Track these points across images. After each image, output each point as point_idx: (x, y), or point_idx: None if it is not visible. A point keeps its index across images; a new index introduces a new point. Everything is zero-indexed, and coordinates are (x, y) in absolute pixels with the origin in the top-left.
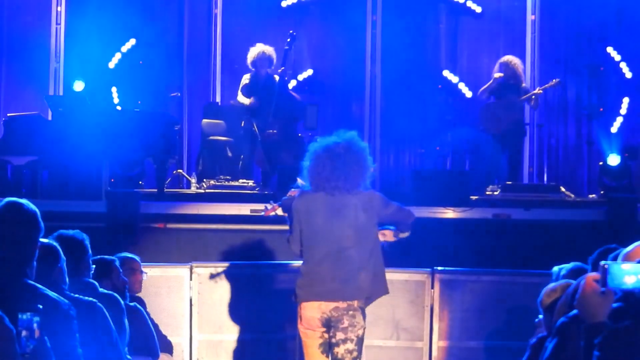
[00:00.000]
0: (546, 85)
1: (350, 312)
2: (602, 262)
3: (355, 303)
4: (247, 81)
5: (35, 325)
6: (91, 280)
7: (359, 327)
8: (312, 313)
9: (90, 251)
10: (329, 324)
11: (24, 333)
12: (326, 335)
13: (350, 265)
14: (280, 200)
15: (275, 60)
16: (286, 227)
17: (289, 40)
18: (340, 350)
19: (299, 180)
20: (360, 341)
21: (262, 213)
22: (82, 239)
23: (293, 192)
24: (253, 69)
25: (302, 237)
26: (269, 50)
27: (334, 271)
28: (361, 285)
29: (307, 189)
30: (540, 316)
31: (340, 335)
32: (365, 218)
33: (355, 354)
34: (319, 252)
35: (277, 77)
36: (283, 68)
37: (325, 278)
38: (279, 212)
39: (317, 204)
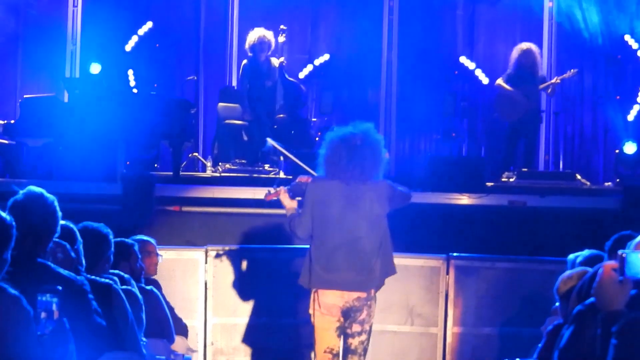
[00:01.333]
0: (564, 76)
1: (369, 302)
2: (620, 251)
3: (372, 292)
4: (246, 67)
5: (54, 306)
6: (109, 280)
7: (372, 317)
8: (333, 301)
9: (112, 247)
10: (348, 313)
11: (42, 314)
12: (342, 320)
13: (364, 254)
14: (277, 184)
15: (273, 45)
16: (284, 212)
17: (280, 34)
18: (354, 342)
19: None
20: (370, 330)
21: (264, 197)
22: (107, 233)
23: (302, 178)
24: (251, 54)
25: (313, 223)
26: (269, 34)
27: (349, 260)
28: (376, 273)
29: (322, 176)
30: (557, 304)
31: (356, 328)
32: (378, 208)
33: (365, 343)
34: (332, 239)
35: (275, 62)
36: (283, 58)
37: (341, 267)
38: (282, 196)
39: (332, 193)
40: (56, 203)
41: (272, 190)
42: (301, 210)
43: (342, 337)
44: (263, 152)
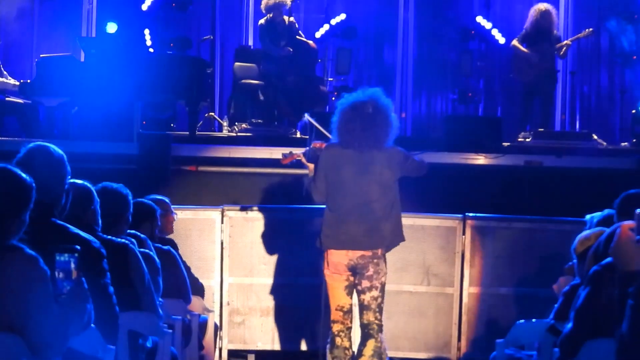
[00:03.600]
0: (579, 35)
1: (375, 260)
2: (638, 210)
3: (379, 251)
4: (264, 27)
5: (72, 266)
6: (125, 241)
7: (382, 274)
8: (339, 259)
9: (131, 208)
10: (354, 270)
11: (60, 274)
12: (352, 279)
13: (374, 216)
14: (302, 149)
15: (289, 5)
16: (300, 172)
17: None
18: (366, 297)
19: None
20: (383, 287)
21: (281, 160)
22: (126, 193)
23: (316, 144)
24: (267, 14)
25: (328, 187)
26: None
27: (359, 222)
28: (384, 234)
29: (335, 143)
30: (571, 262)
31: (365, 283)
32: (389, 174)
33: (379, 299)
34: (345, 203)
35: (289, 22)
36: (292, 17)
37: (351, 228)
38: (303, 159)
39: (345, 159)
40: (64, 157)
41: (287, 153)
42: (315, 175)
43: (352, 295)
44: (280, 113)
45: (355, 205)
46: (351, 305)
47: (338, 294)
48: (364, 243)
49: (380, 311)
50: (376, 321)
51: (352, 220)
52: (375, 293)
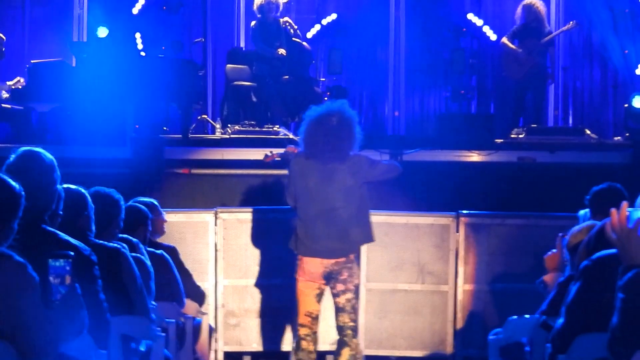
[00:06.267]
0: (563, 28)
1: (349, 265)
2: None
3: (352, 256)
4: (256, 28)
5: (66, 271)
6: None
7: (355, 277)
8: (315, 268)
9: (123, 213)
10: (329, 276)
11: (54, 280)
12: (323, 286)
13: (341, 223)
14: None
15: (282, 6)
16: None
17: None
18: (341, 300)
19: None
20: (357, 289)
21: (263, 158)
22: (118, 198)
23: (291, 148)
24: (259, 15)
25: (296, 194)
26: None
27: (327, 229)
28: (354, 239)
29: (302, 152)
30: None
31: (340, 287)
32: (353, 181)
33: (353, 301)
34: (312, 210)
35: (283, 22)
36: (287, 18)
37: (320, 236)
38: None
39: (310, 169)
40: (55, 162)
41: (269, 153)
42: (288, 181)
43: (321, 301)
44: (273, 114)
45: (321, 212)
46: (319, 311)
47: (309, 301)
48: (337, 252)
49: (355, 312)
50: (351, 323)
51: (318, 226)
52: (349, 295)
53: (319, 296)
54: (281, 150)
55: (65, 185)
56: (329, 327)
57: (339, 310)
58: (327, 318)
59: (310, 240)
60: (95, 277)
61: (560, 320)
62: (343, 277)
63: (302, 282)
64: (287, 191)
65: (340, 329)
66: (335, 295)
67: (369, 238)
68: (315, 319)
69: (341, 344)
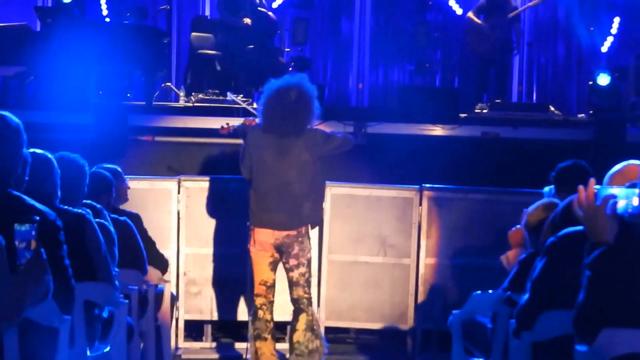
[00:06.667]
0: (529, 4)
1: (300, 239)
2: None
3: (303, 229)
4: None
5: (32, 236)
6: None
7: (307, 251)
8: (265, 238)
9: (87, 178)
10: (280, 249)
11: (20, 244)
12: (276, 255)
13: (293, 197)
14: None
15: None
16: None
17: None
18: (294, 274)
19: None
20: (309, 263)
21: (219, 129)
22: (83, 164)
23: (248, 120)
24: None
25: (252, 167)
26: None
27: (280, 203)
28: (305, 213)
29: (260, 125)
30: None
31: (292, 262)
32: (308, 156)
33: (307, 275)
34: (266, 184)
35: None
36: None
37: (272, 208)
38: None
39: (266, 142)
40: (21, 126)
41: (225, 124)
42: (243, 152)
43: (276, 270)
44: (236, 84)
45: (276, 186)
46: (274, 280)
47: (262, 269)
48: (287, 224)
49: (309, 285)
50: (305, 295)
51: (271, 199)
52: (302, 269)
53: (273, 264)
54: (238, 122)
55: (31, 150)
56: (288, 298)
57: (293, 284)
58: (285, 289)
59: (262, 212)
60: (60, 242)
61: (526, 297)
62: (295, 251)
63: (255, 252)
64: (242, 163)
65: (295, 301)
66: (288, 270)
67: (319, 214)
68: (270, 287)
69: (298, 311)
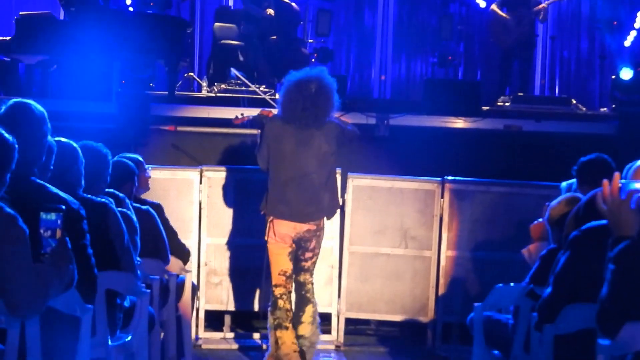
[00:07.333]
0: None
1: (318, 233)
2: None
3: (321, 222)
4: None
5: (58, 225)
6: (105, 200)
7: (321, 242)
8: (286, 231)
9: (110, 167)
10: (299, 243)
11: (45, 233)
12: (294, 246)
13: (312, 189)
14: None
15: None
16: None
17: None
18: (307, 264)
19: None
20: (319, 252)
21: (233, 120)
22: (106, 153)
23: (265, 111)
24: None
25: (270, 157)
26: None
27: (299, 194)
28: (324, 205)
29: (279, 116)
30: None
31: (308, 255)
32: (327, 147)
33: (316, 262)
34: (285, 174)
35: None
36: None
37: (291, 200)
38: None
39: (286, 133)
40: (45, 115)
41: (239, 115)
42: (260, 143)
43: (294, 260)
44: (259, 74)
45: (295, 177)
46: (292, 270)
47: (281, 260)
48: (308, 216)
49: (314, 267)
50: (310, 279)
51: (290, 190)
52: (315, 259)
53: (291, 254)
54: (254, 112)
55: (56, 138)
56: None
57: (302, 269)
58: None
59: (281, 204)
60: (83, 231)
61: (548, 290)
62: (312, 246)
63: (274, 243)
64: (259, 153)
65: (300, 284)
66: (302, 260)
67: (336, 204)
68: (289, 277)
69: (303, 300)
